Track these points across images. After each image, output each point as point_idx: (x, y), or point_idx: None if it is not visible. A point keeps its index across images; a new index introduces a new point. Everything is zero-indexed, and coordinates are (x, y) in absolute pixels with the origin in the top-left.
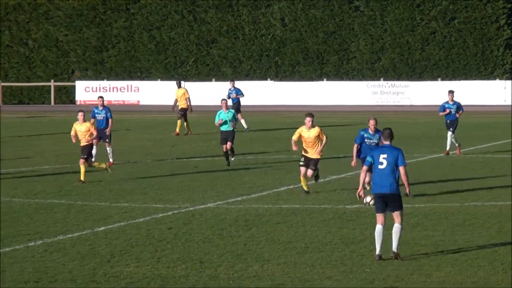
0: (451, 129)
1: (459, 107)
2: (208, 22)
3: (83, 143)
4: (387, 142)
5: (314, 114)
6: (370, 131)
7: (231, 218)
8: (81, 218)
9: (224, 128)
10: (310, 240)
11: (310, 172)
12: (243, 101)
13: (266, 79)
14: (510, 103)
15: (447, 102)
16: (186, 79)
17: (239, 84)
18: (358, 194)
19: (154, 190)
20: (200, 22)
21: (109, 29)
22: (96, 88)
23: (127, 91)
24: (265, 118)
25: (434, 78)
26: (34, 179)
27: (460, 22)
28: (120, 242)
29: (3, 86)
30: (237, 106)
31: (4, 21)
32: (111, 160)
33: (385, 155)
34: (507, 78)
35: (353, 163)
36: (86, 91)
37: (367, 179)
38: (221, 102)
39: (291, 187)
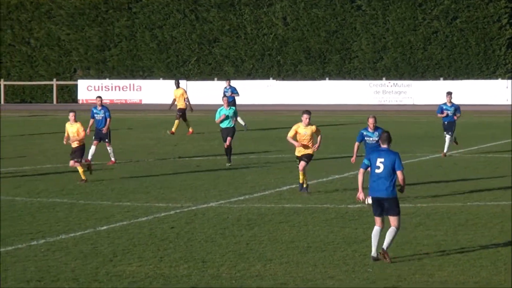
0: (450, 132)
1: (456, 109)
2: (210, 21)
3: (74, 144)
4: (384, 146)
5: (311, 111)
6: (369, 129)
7: (234, 217)
8: (83, 217)
9: (224, 125)
10: (312, 240)
11: (302, 164)
12: (244, 100)
13: (268, 78)
14: (510, 103)
15: (445, 104)
16: (188, 78)
17: (241, 83)
18: (358, 198)
19: (156, 189)
20: (202, 21)
21: (111, 28)
22: (98, 87)
23: (129, 90)
24: (267, 117)
25: (436, 77)
26: (36, 178)
27: (462, 21)
28: (123, 241)
29: (5, 85)
30: (233, 105)
31: (6, 19)
32: (112, 159)
33: (382, 159)
34: (509, 78)
35: (352, 159)
36: (88, 90)
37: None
38: (223, 99)
39: (294, 186)
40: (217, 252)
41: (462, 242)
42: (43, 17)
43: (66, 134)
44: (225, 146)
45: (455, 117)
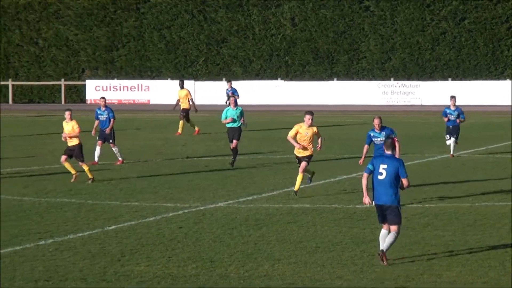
0: (454, 135)
1: (460, 113)
2: (218, 21)
3: (70, 142)
4: (388, 152)
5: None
6: (376, 130)
7: (242, 217)
8: (91, 217)
9: (230, 124)
10: (320, 240)
11: (303, 164)
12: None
13: (276, 79)
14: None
15: (448, 108)
16: (196, 79)
17: (249, 83)
18: (364, 202)
19: (164, 189)
20: (210, 22)
21: (119, 29)
22: (106, 87)
23: (137, 90)
24: (275, 117)
25: (444, 78)
26: (44, 177)
27: (470, 22)
28: (131, 241)
29: (13, 85)
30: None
31: (15, 20)
32: (120, 158)
33: (385, 166)
34: None
35: (360, 161)
36: (96, 90)
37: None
38: (229, 99)
39: (302, 186)
40: (225, 252)
41: (470, 243)
42: (51, 18)
43: (64, 134)
44: (231, 148)
45: (458, 121)
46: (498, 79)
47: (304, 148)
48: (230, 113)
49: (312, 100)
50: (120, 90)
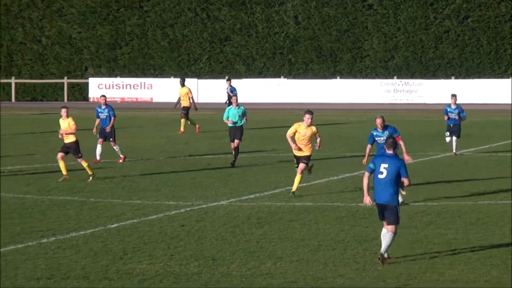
0: (456, 134)
1: (460, 112)
2: (221, 19)
3: (67, 139)
4: (390, 152)
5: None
6: (378, 130)
7: (244, 215)
8: (94, 215)
9: (231, 124)
10: (323, 238)
11: (302, 166)
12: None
13: (279, 77)
14: None
15: (449, 106)
16: (199, 77)
17: (252, 81)
18: (365, 202)
19: (167, 187)
20: (214, 20)
21: (122, 27)
22: (109, 85)
23: (140, 88)
24: (278, 115)
25: (447, 76)
26: (47, 175)
27: (473, 20)
28: (133, 239)
29: (16, 83)
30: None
31: (18, 18)
32: (121, 156)
33: (386, 165)
34: None
35: (364, 160)
36: (99, 88)
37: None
38: (232, 99)
39: (304, 185)
40: (227, 250)
41: (472, 241)
42: (55, 15)
43: (61, 130)
44: (232, 147)
45: (456, 117)
46: (501, 77)
47: (300, 149)
48: (232, 112)
49: (315, 98)
50: (123, 88)
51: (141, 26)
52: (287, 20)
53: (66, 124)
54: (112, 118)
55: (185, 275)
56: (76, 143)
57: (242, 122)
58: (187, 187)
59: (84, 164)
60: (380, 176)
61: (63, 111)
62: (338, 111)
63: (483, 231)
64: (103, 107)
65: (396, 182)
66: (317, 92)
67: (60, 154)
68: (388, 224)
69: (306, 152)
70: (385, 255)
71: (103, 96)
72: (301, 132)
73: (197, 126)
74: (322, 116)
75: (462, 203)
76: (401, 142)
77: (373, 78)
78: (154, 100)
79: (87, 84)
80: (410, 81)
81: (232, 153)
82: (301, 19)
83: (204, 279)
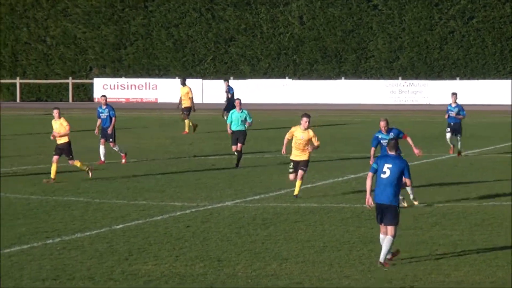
0: (458, 134)
1: (460, 110)
2: (226, 20)
3: (59, 141)
4: (392, 153)
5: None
6: (383, 132)
7: (249, 216)
8: (99, 216)
9: (235, 127)
10: (328, 239)
11: (300, 172)
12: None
13: (284, 78)
14: None
15: (450, 105)
16: (204, 77)
17: (257, 82)
18: (367, 203)
19: (172, 188)
20: (218, 20)
21: (127, 27)
22: (114, 85)
23: (145, 88)
24: (283, 116)
25: (452, 77)
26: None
27: (478, 21)
28: (138, 240)
29: (21, 83)
30: (231, 104)
31: (23, 18)
32: (122, 154)
33: (389, 165)
34: None
35: (371, 161)
36: (104, 88)
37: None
38: (235, 102)
39: (309, 186)
40: (232, 251)
41: (478, 242)
42: (59, 15)
43: (54, 132)
44: (233, 150)
45: (453, 114)
46: (507, 78)
47: (301, 152)
48: (235, 116)
49: (319, 99)
50: (127, 88)
51: (146, 26)
52: (292, 21)
53: (58, 125)
54: (113, 118)
55: (191, 276)
56: (68, 144)
57: (246, 126)
58: (192, 188)
59: (77, 164)
60: (383, 176)
61: (55, 112)
62: (342, 112)
63: (488, 232)
64: (104, 107)
65: (398, 183)
66: (322, 93)
67: (55, 157)
68: (388, 225)
69: (303, 156)
70: (388, 256)
71: (104, 96)
72: (297, 136)
73: (194, 128)
74: (327, 117)
75: (467, 205)
76: (408, 139)
77: (378, 78)
78: (159, 101)
79: (92, 84)
80: (415, 81)
81: (234, 154)
82: (306, 19)
83: (209, 280)
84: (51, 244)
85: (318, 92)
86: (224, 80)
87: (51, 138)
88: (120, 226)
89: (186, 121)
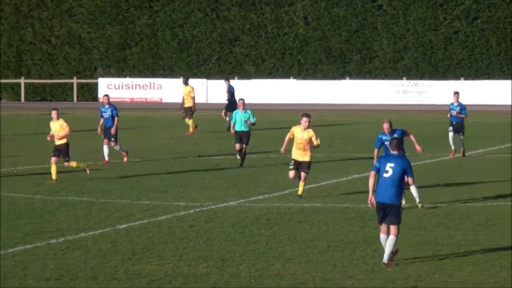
0: (460, 133)
1: (462, 109)
2: (231, 20)
3: (57, 142)
4: (394, 152)
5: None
6: (386, 134)
7: (253, 216)
8: (102, 216)
9: (238, 127)
10: (332, 239)
11: (303, 175)
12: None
13: (289, 78)
14: None
15: (452, 103)
16: (208, 77)
17: (262, 82)
18: (370, 202)
19: (176, 188)
20: (223, 20)
21: (132, 27)
22: (119, 85)
23: (150, 88)
24: (287, 116)
25: (457, 77)
26: (59, 177)
27: (483, 21)
28: (142, 240)
29: (25, 83)
30: (232, 103)
31: (27, 18)
32: (123, 153)
33: (392, 164)
34: None
35: (374, 163)
36: (108, 88)
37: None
38: (238, 102)
39: (313, 186)
40: (236, 251)
41: (482, 242)
42: (64, 15)
43: (51, 133)
44: (237, 148)
45: (455, 113)
46: (511, 78)
47: (303, 152)
48: (239, 116)
49: (324, 99)
50: (132, 88)
51: (151, 26)
52: (297, 21)
53: (58, 126)
54: (116, 118)
55: (194, 276)
56: (67, 145)
57: (250, 127)
58: (196, 187)
59: (73, 165)
60: (385, 175)
61: (54, 113)
62: (347, 112)
63: (492, 233)
64: (107, 106)
65: (400, 182)
66: (327, 93)
67: (53, 159)
68: (390, 224)
69: (305, 157)
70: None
71: (106, 95)
72: (297, 136)
73: (190, 130)
74: (331, 117)
75: (471, 205)
76: (412, 136)
77: (383, 79)
78: (163, 101)
79: (96, 84)
80: (420, 82)
81: (237, 155)
82: (311, 19)
83: (213, 280)
84: (54, 243)
85: (322, 92)
86: (225, 80)
87: (48, 138)
88: (124, 226)
89: (190, 121)
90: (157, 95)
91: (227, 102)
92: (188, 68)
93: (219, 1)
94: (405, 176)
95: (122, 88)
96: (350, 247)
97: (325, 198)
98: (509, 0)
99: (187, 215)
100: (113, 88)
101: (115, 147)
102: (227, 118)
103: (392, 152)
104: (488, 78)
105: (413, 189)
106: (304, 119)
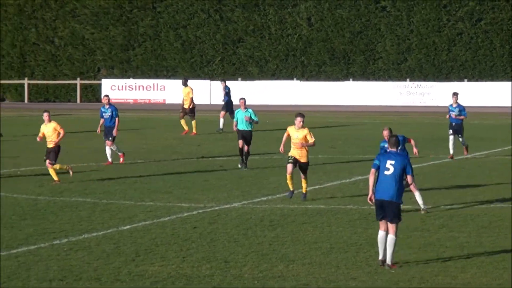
0: (459, 135)
1: (461, 110)
2: (234, 21)
3: (49, 144)
4: (393, 150)
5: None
6: (387, 141)
7: (257, 218)
8: (106, 217)
9: (241, 126)
10: (335, 241)
11: (302, 175)
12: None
13: (292, 79)
14: None
15: (451, 105)
16: (212, 78)
17: (265, 83)
18: (370, 199)
19: (179, 189)
20: (227, 21)
21: (135, 28)
22: (122, 86)
23: (153, 89)
24: (291, 118)
25: (460, 79)
26: (59, 177)
27: (486, 23)
28: (145, 241)
29: (29, 84)
30: (228, 105)
31: (31, 18)
32: (120, 153)
33: (392, 162)
34: None
35: None
36: (112, 89)
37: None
38: (240, 101)
39: (317, 187)
40: (239, 253)
41: (485, 244)
42: (68, 16)
43: (41, 134)
44: (240, 145)
45: (453, 115)
46: None
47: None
48: (240, 115)
49: (327, 101)
50: (135, 89)
51: (154, 27)
52: (300, 22)
53: (50, 128)
54: (117, 119)
55: (197, 277)
56: (58, 147)
57: (253, 126)
58: (199, 189)
59: (57, 167)
60: (386, 172)
61: (45, 115)
62: (350, 113)
63: (495, 235)
64: (107, 106)
65: (401, 179)
66: (330, 94)
67: (48, 163)
68: (390, 222)
69: (303, 158)
70: (380, 257)
71: (106, 96)
72: (293, 135)
73: (185, 131)
74: (335, 118)
75: (475, 206)
76: (412, 141)
77: (386, 80)
78: (166, 102)
79: (100, 85)
80: (423, 83)
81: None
82: (314, 21)
83: (216, 281)
84: (58, 244)
85: (326, 93)
86: (221, 80)
87: (38, 140)
88: (127, 227)
89: (193, 122)
90: (161, 96)
91: (224, 103)
92: (192, 69)
93: (222, 2)
94: (404, 175)
95: (126, 89)
96: (354, 249)
97: (328, 199)
98: None
99: (190, 216)
100: (116, 89)
101: (111, 147)
102: (222, 119)
103: (390, 149)
104: (492, 80)
105: (417, 196)
106: (298, 118)
